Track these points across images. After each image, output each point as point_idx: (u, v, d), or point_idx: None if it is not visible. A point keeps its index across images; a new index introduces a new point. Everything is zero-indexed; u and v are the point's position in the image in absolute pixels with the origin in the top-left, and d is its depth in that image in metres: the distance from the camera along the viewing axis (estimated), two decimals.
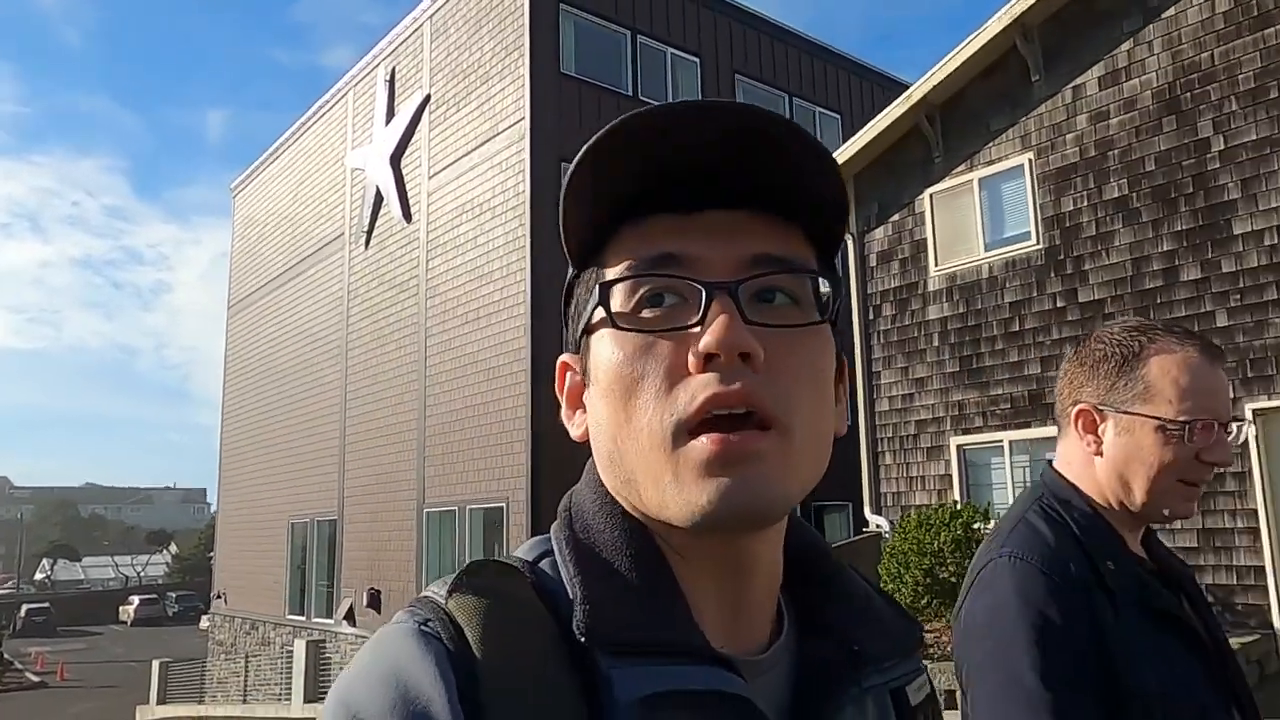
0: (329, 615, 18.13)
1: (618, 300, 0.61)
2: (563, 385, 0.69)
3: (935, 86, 10.48)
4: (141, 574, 71.72)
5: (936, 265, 10.74)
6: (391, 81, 18.41)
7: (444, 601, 0.59)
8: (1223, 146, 8.48)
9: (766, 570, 0.66)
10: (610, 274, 0.62)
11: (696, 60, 17.27)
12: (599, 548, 0.63)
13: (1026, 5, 9.62)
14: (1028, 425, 9.69)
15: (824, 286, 0.63)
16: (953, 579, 8.36)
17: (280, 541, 20.71)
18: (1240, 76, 8.42)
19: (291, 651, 17.23)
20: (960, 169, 10.58)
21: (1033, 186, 9.87)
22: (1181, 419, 1.34)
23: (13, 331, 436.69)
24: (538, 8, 14.98)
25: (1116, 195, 9.22)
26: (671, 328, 0.59)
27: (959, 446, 10.33)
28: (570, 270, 0.68)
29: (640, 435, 0.59)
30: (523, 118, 14.62)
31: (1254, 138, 8.29)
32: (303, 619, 19.16)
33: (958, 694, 1.34)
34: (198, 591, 48.83)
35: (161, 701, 21.35)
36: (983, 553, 1.42)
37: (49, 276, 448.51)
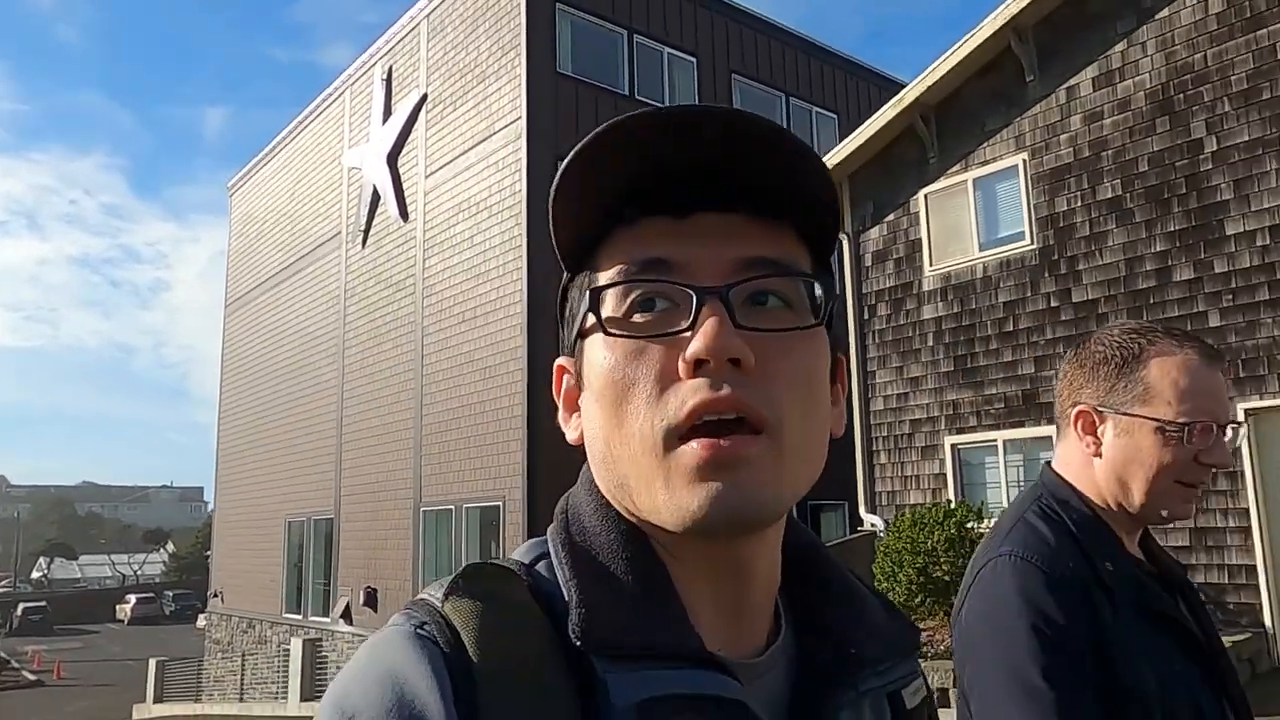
0: (326, 614, 18.14)
1: (609, 305, 0.61)
2: (559, 388, 0.69)
3: (930, 87, 10.51)
4: (138, 573, 71.66)
5: (931, 265, 10.78)
6: (388, 80, 18.41)
7: (440, 604, 0.59)
8: (1215, 147, 8.52)
9: (764, 573, 0.66)
10: (602, 278, 0.62)
11: (693, 60, 17.28)
12: (595, 551, 0.63)
13: (1021, 6, 9.66)
14: (1021, 425, 9.73)
15: (817, 289, 0.63)
16: (946, 578, 8.40)
17: (277, 540, 20.72)
18: (1233, 78, 8.46)
19: (288, 650, 17.27)
20: (955, 169, 10.62)
21: (1027, 187, 9.91)
22: (1181, 421, 1.34)
23: (10, 330, 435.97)
24: (534, 7, 14.99)
25: (1110, 196, 9.26)
26: (662, 333, 0.59)
27: (953, 446, 10.37)
28: (564, 274, 0.68)
29: (632, 440, 0.59)
30: (519, 117, 14.64)
31: (1246, 139, 8.32)
32: (299, 618, 19.17)
33: (955, 692, 1.36)
34: (195, 590, 48.81)
35: (158, 700, 21.38)
36: (982, 552, 1.43)
37: (46, 274, 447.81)
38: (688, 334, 0.58)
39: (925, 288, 10.82)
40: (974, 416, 10.20)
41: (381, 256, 18.03)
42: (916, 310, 10.89)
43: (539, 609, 0.60)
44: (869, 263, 11.44)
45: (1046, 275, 9.70)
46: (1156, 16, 9.02)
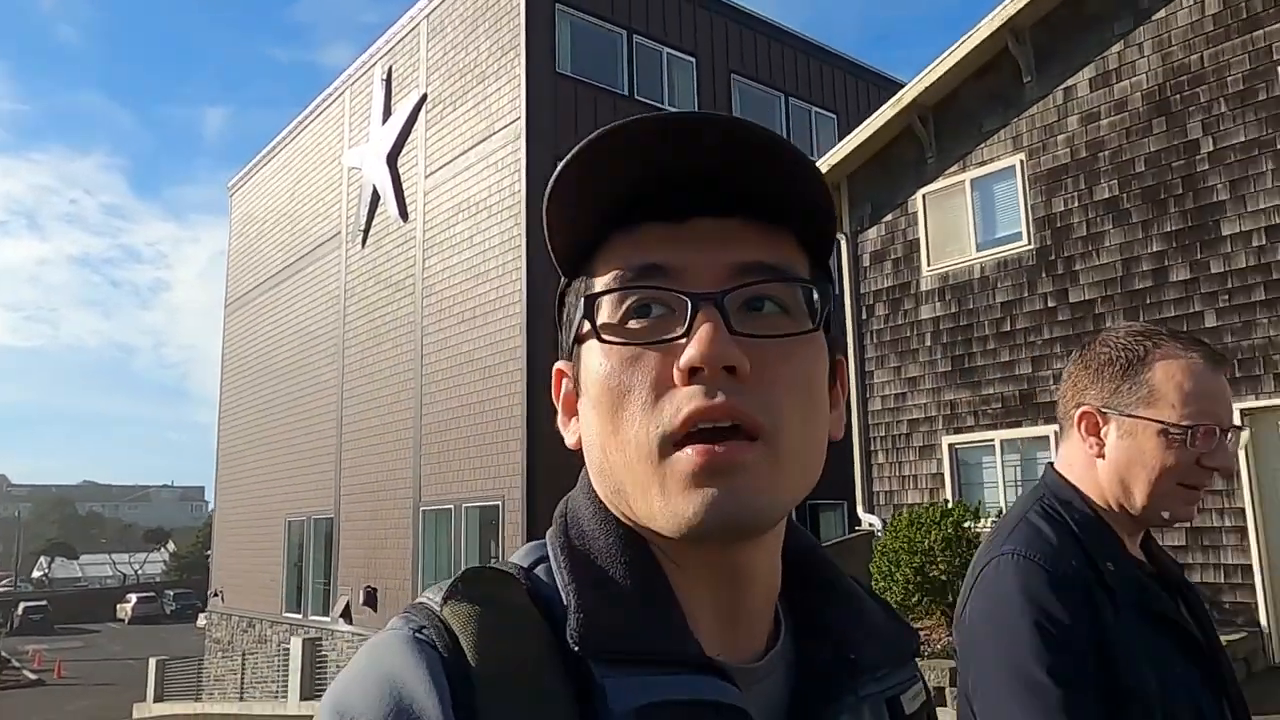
0: (325, 613, 18.17)
1: (605, 311, 0.61)
2: (558, 392, 0.69)
3: (928, 88, 10.54)
4: (139, 572, 71.70)
5: (929, 265, 10.80)
6: (388, 81, 18.44)
7: (439, 608, 0.59)
8: (1212, 148, 8.54)
9: (763, 579, 0.65)
10: (598, 284, 0.62)
11: (692, 60, 17.30)
12: (594, 555, 0.63)
13: (1018, 7, 9.68)
14: (1018, 425, 9.76)
15: (815, 294, 0.62)
16: (943, 577, 8.42)
17: (277, 539, 20.75)
18: (1229, 78, 8.48)
19: (288, 649, 17.30)
20: (953, 169, 10.64)
21: (1024, 187, 9.94)
22: (1184, 424, 1.35)
23: (10, 329, 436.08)
24: (533, 7, 15.02)
25: (1107, 196, 9.29)
26: (657, 340, 0.59)
27: (951, 445, 10.40)
28: (561, 279, 0.68)
29: (627, 447, 0.59)
30: (518, 117, 14.67)
31: (1242, 139, 8.35)
32: (299, 617, 19.20)
33: (954, 691, 1.40)
34: (195, 589, 48.84)
35: (158, 699, 21.42)
36: (984, 551, 1.43)
37: (46, 274, 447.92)
38: (683, 341, 0.58)
39: (923, 288, 10.85)
40: (971, 416, 10.23)
41: (381, 256, 18.07)
42: (914, 310, 10.92)
43: (538, 613, 0.60)
44: (867, 263, 11.47)
45: (1043, 275, 9.72)
46: (1153, 18, 9.05)
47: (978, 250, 10.35)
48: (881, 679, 0.68)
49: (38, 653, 34.30)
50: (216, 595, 23.88)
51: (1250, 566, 8.00)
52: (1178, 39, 8.87)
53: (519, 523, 13.53)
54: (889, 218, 11.29)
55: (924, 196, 10.89)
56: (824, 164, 11.45)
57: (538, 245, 13.91)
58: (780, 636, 0.68)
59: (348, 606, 17.16)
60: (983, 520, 8.88)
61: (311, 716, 14.74)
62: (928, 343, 10.73)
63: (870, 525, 10.90)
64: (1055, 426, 9.25)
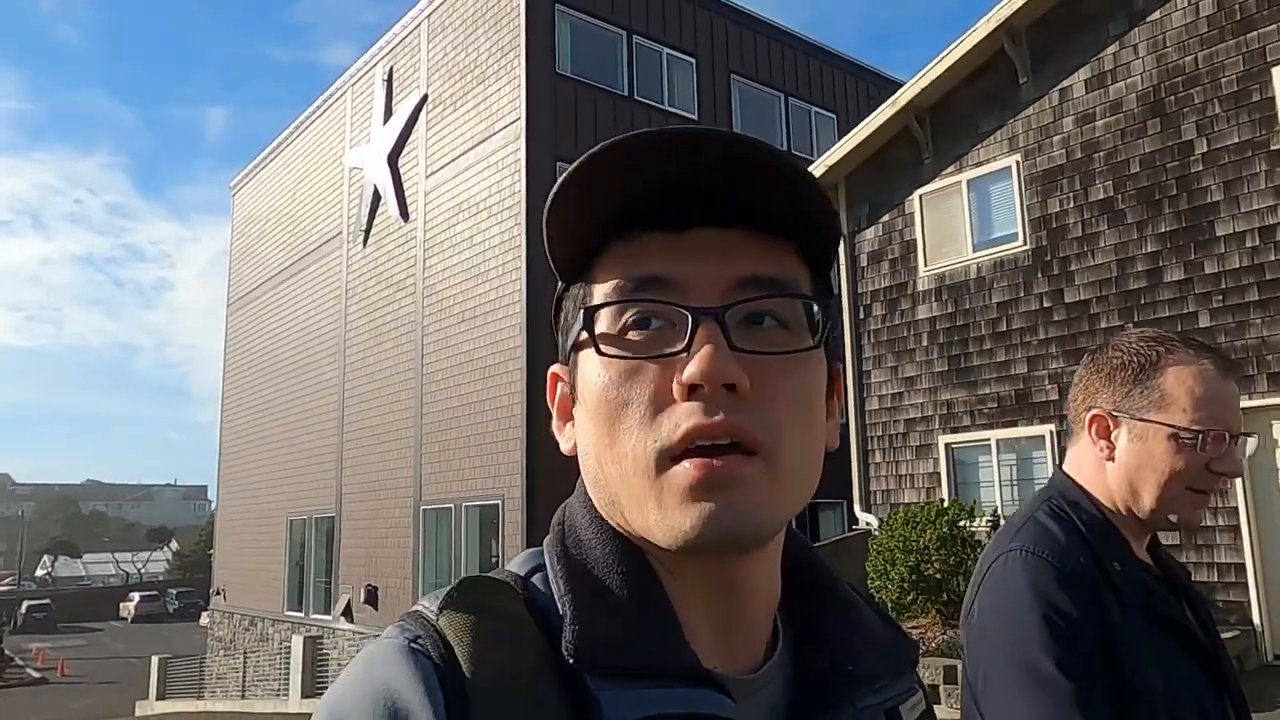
0: (327, 611, 18.24)
1: (604, 322, 0.60)
2: (553, 396, 0.69)
3: (924, 89, 10.59)
4: (142, 571, 71.86)
5: (926, 265, 10.85)
6: (389, 81, 18.50)
7: (435, 618, 0.59)
8: (1206, 149, 8.59)
9: (762, 590, 0.65)
10: (597, 293, 0.62)
11: (692, 60, 17.34)
12: (591, 564, 0.63)
13: (1014, 8, 9.73)
14: (1014, 424, 9.80)
15: (816, 310, 0.62)
16: (938, 575, 8.48)
17: (279, 538, 20.82)
18: (1223, 80, 8.52)
19: (289, 648, 17.37)
20: (949, 170, 10.69)
21: (1020, 188, 9.98)
22: (1195, 428, 1.36)
23: (13, 329, 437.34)
24: (533, 8, 15.07)
25: (1102, 197, 9.33)
26: (657, 354, 0.59)
27: (947, 445, 10.45)
28: (559, 283, 0.67)
29: (624, 460, 0.59)
30: (519, 118, 14.72)
31: (1236, 140, 8.39)
32: (301, 615, 19.27)
33: (960, 689, 1.40)
34: (198, 588, 48.91)
35: (161, 697, 21.49)
36: (991, 549, 1.44)
37: (50, 274, 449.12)
38: (683, 355, 0.57)
39: (920, 288, 10.90)
40: (967, 416, 10.27)
41: (382, 256, 18.13)
42: (911, 310, 10.97)
43: (534, 623, 0.60)
44: (864, 263, 11.52)
45: (1039, 276, 9.77)
46: (1148, 19, 9.09)
47: (974, 251, 10.40)
48: (880, 690, 0.67)
49: (41, 651, 34.42)
50: (219, 594, 23.96)
51: (1243, 565, 8.05)
52: (1172, 40, 8.91)
53: (519, 522, 13.59)
54: (886, 218, 11.34)
55: (921, 197, 10.94)
56: (821, 165, 11.50)
57: (538, 245, 13.95)
58: (778, 645, 0.67)
59: (349, 605, 17.22)
60: (977, 519, 8.93)
61: (312, 714, 14.75)
62: (924, 343, 10.78)
63: (867, 524, 10.95)
64: (1050, 426, 9.33)
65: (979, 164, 10.40)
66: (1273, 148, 8.16)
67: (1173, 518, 1.40)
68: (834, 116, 19.59)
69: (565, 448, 0.68)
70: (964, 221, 10.50)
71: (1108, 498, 1.43)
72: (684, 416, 0.57)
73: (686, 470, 0.57)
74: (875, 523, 10.72)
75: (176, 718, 20.00)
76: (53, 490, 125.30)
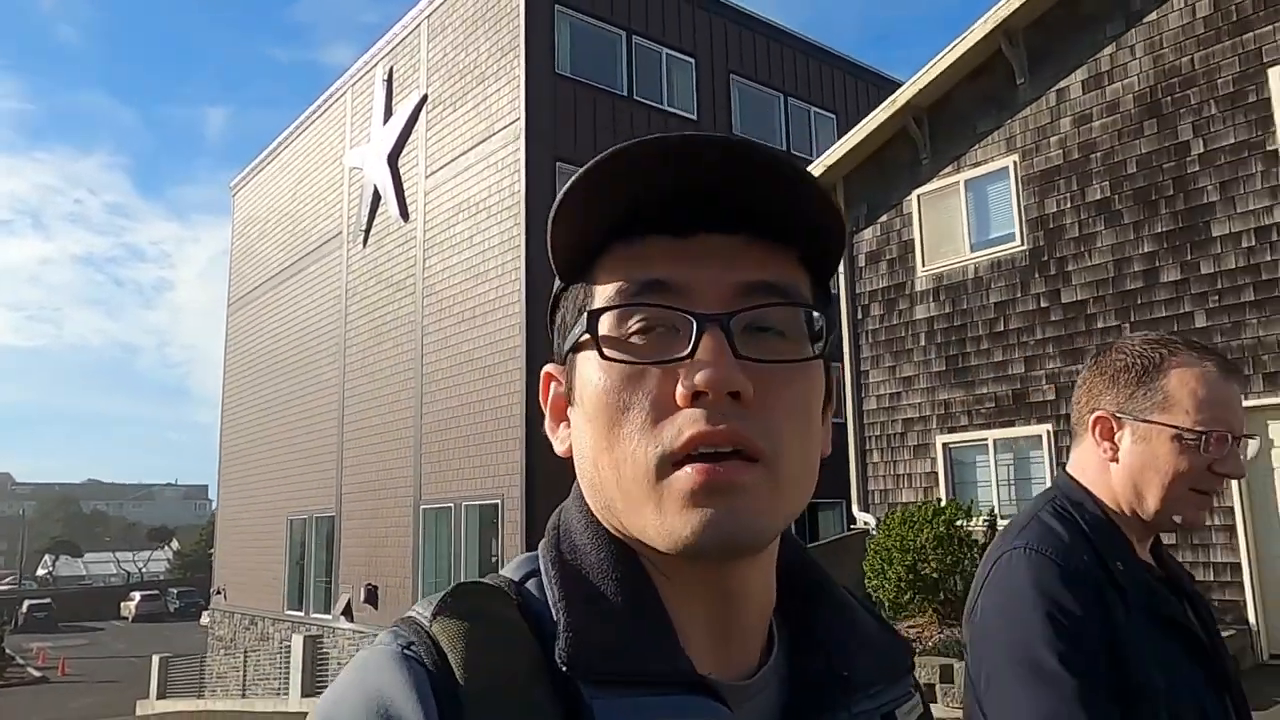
0: (327, 611, 18.28)
1: (606, 325, 0.60)
2: (546, 396, 0.68)
3: (922, 90, 10.62)
4: (143, 570, 71.87)
5: (924, 265, 10.88)
6: (389, 81, 18.53)
7: (428, 624, 0.59)
8: (1202, 150, 8.61)
9: (757, 595, 0.65)
10: (600, 295, 0.61)
11: (691, 61, 17.36)
12: (585, 569, 0.62)
13: (1011, 9, 9.75)
14: (1011, 424, 9.83)
15: (818, 319, 0.62)
16: (934, 575, 8.51)
17: (279, 538, 20.86)
18: (1219, 81, 8.55)
19: (290, 647, 17.40)
20: (947, 171, 10.72)
21: (1017, 188, 10.01)
22: (1198, 429, 1.37)
23: (13, 329, 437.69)
24: (533, 8, 15.09)
25: (1099, 197, 9.36)
26: (661, 360, 0.58)
27: (945, 444, 10.47)
28: (557, 282, 0.67)
29: (623, 465, 0.59)
30: (518, 118, 14.75)
31: (1232, 141, 8.42)
32: (301, 614, 19.31)
33: (964, 687, 1.38)
34: (199, 587, 48.96)
35: (161, 696, 21.52)
36: (995, 548, 1.44)
37: (50, 274, 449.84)
38: (686, 361, 0.57)
39: (918, 288, 10.93)
40: (965, 416, 10.30)
41: (382, 256, 18.16)
42: (909, 310, 11.00)
43: (527, 629, 0.60)
44: (863, 263, 11.55)
45: (1036, 276, 9.80)
46: (1145, 20, 9.12)
47: (972, 251, 10.43)
48: (875, 695, 0.67)
49: (42, 650, 34.47)
50: (219, 593, 24.00)
51: (1239, 565, 8.08)
52: (1169, 41, 8.94)
53: (518, 521, 13.62)
54: (884, 218, 11.37)
55: (919, 197, 10.97)
56: (820, 165, 11.53)
57: (537, 245, 14.00)
58: (774, 650, 0.67)
59: (349, 604, 17.26)
60: (974, 519, 8.96)
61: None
62: (922, 343, 10.81)
63: (865, 524, 10.98)
64: (1047, 426, 9.36)
65: (976, 164, 10.43)
66: (1268, 148, 8.18)
67: (1176, 518, 1.41)
68: (833, 117, 19.62)
69: (560, 449, 0.67)
70: (962, 222, 10.53)
71: (1111, 499, 1.44)
72: (688, 423, 0.57)
73: (689, 475, 0.56)
74: (873, 522, 10.74)
75: (177, 717, 20.05)
76: (54, 490, 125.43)
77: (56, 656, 32.43)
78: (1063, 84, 9.72)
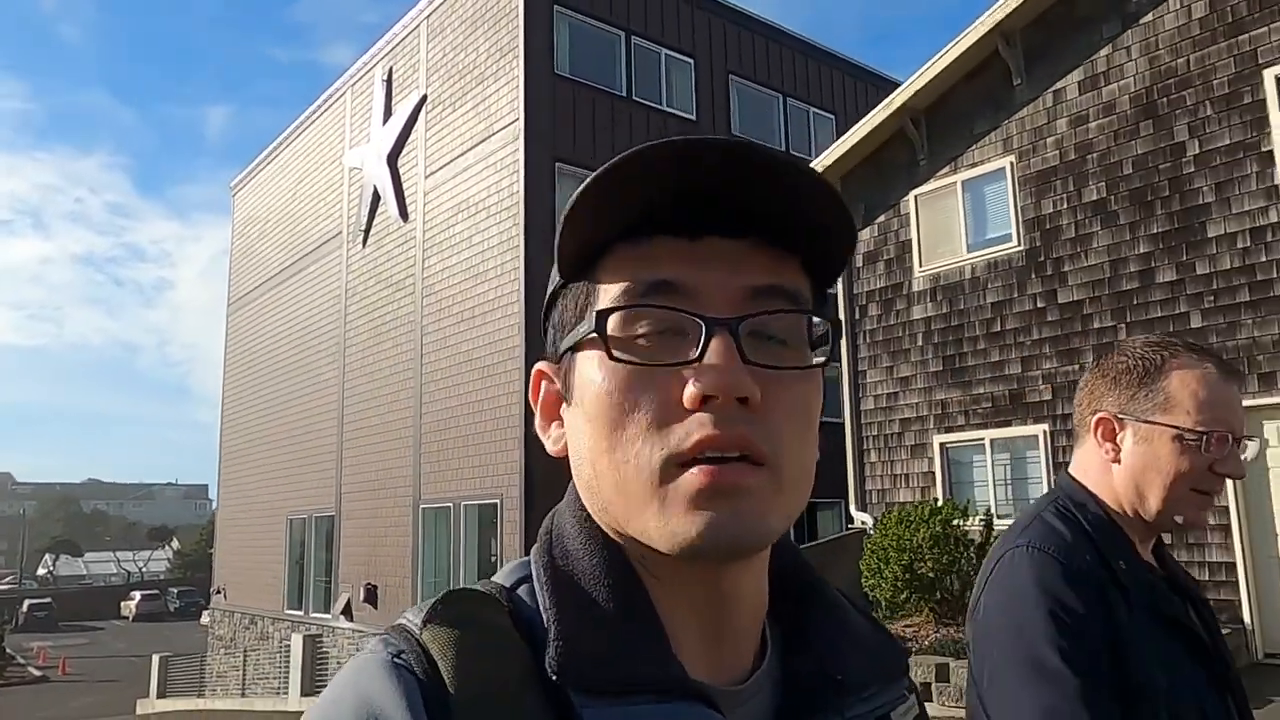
0: (326, 610, 18.31)
1: (613, 325, 0.59)
2: (537, 394, 0.68)
3: (919, 91, 10.65)
4: (143, 570, 71.89)
5: (921, 266, 10.91)
6: (389, 81, 18.56)
7: (419, 631, 0.59)
8: (1197, 151, 8.64)
9: (750, 598, 0.65)
10: (605, 295, 0.61)
11: (690, 61, 17.38)
12: (577, 575, 0.62)
13: (1009, 10, 9.78)
14: (1008, 424, 9.86)
15: (821, 326, 0.62)
16: (931, 574, 8.53)
17: (279, 537, 20.89)
18: (1215, 82, 8.58)
19: (289, 646, 17.43)
20: (944, 171, 10.75)
21: (1014, 189, 10.04)
22: (1199, 430, 1.38)
23: (14, 328, 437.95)
24: (532, 9, 15.11)
25: (1095, 198, 9.39)
26: (668, 362, 0.58)
27: (942, 444, 10.51)
28: (556, 278, 0.66)
29: (625, 466, 0.58)
30: (517, 118, 14.77)
31: (1227, 142, 8.45)
32: (301, 614, 19.34)
33: (966, 686, 1.39)
34: (199, 587, 48.95)
35: (161, 695, 21.55)
36: (998, 547, 1.45)
37: (51, 273, 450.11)
38: (694, 365, 0.57)
39: (915, 288, 10.96)
40: (962, 415, 10.33)
41: (382, 256, 18.19)
42: (906, 310, 11.03)
43: (518, 636, 0.59)
44: (860, 263, 11.58)
45: (1033, 276, 9.83)
46: (1141, 21, 9.15)
47: (968, 251, 10.46)
48: (869, 698, 0.67)
49: (42, 650, 34.52)
50: (219, 593, 24.03)
51: (1234, 565, 8.11)
52: (1165, 43, 8.97)
53: (518, 520, 13.64)
54: (882, 219, 11.40)
55: (916, 198, 11.00)
56: (818, 166, 11.55)
57: (536, 245, 14.03)
58: (767, 654, 0.67)
59: (348, 603, 17.29)
60: (970, 518, 8.98)
61: None
62: (919, 343, 10.84)
63: (863, 523, 11.01)
64: (1044, 426, 9.38)
65: (973, 165, 10.46)
66: (1264, 149, 8.21)
67: (1178, 519, 1.42)
68: (832, 117, 19.64)
69: (553, 449, 0.68)
70: (959, 222, 10.57)
71: (1114, 500, 1.45)
72: (696, 427, 0.56)
73: (695, 477, 0.56)
74: (870, 522, 10.77)
75: (177, 716, 20.07)
76: (54, 489, 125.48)
77: (57, 656, 32.46)
78: (1059, 85, 9.75)
